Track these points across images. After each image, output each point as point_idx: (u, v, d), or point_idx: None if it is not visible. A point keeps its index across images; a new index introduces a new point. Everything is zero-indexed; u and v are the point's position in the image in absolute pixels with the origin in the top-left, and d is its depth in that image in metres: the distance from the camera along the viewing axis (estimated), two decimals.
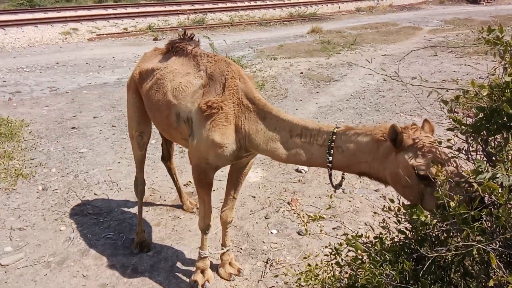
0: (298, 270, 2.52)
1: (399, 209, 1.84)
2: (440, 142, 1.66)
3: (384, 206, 2.03)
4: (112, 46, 13.49)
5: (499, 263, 1.26)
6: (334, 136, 2.21)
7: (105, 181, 4.82)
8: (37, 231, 3.84)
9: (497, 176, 1.24)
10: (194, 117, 2.73)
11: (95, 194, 4.54)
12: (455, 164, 1.75)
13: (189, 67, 2.98)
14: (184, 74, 2.95)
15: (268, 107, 2.55)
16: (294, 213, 4.13)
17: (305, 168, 4.92)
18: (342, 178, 2.36)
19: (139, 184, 3.71)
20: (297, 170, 4.98)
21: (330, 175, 2.31)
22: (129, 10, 19.90)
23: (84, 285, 3.18)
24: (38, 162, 5.26)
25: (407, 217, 1.71)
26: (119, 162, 5.30)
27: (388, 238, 1.95)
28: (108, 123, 6.73)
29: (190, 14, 18.99)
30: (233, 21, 18.31)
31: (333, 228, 3.83)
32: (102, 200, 4.43)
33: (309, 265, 2.32)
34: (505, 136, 1.39)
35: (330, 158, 2.21)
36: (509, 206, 1.28)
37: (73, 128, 6.48)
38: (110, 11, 19.23)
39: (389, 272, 1.47)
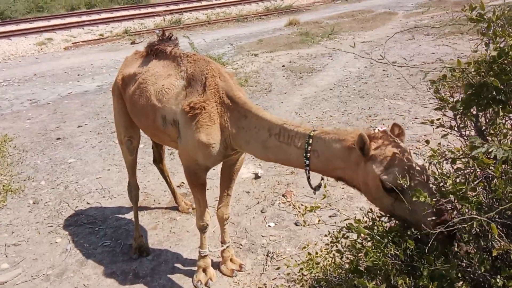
0: (299, 260, 2.54)
1: None
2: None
3: None
4: (90, 53, 13.29)
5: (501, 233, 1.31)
6: (311, 140, 2.17)
7: (96, 189, 4.78)
8: (32, 246, 3.79)
9: (491, 150, 1.27)
10: (180, 119, 2.73)
11: (87, 203, 4.49)
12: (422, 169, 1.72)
13: (170, 69, 2.97)
14: (166, 76, 2.93)
15: (248, 105, 2.53)
16: (290, 205, 4.16)
17: None
18: (322, 179, 2.29)
19: (133, 189, 3.70)
20: None
21: (308, 178, 2.26)
22: (103, 15, 19.60)
23: None
24: (26, 176, 5.18)
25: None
26: (108, 169, 5.25)
27: (386, 221, 1.98)
28: (94, 131, 6.64)
29: (166, 15, 18.80)
30: (210, 19, 18.21)
31: (329, 216, 3.87)
32: (96, 208, 4.39)
33: (309, 253, 2.35)
34: (495, 110, 1.43)
35: (307, 162, 2.18)
36: (504, 178, 1.32)
37: (58, 139, 6.38)
38: (84, 18, 18.92)
39: (394, 252, 1.50)
